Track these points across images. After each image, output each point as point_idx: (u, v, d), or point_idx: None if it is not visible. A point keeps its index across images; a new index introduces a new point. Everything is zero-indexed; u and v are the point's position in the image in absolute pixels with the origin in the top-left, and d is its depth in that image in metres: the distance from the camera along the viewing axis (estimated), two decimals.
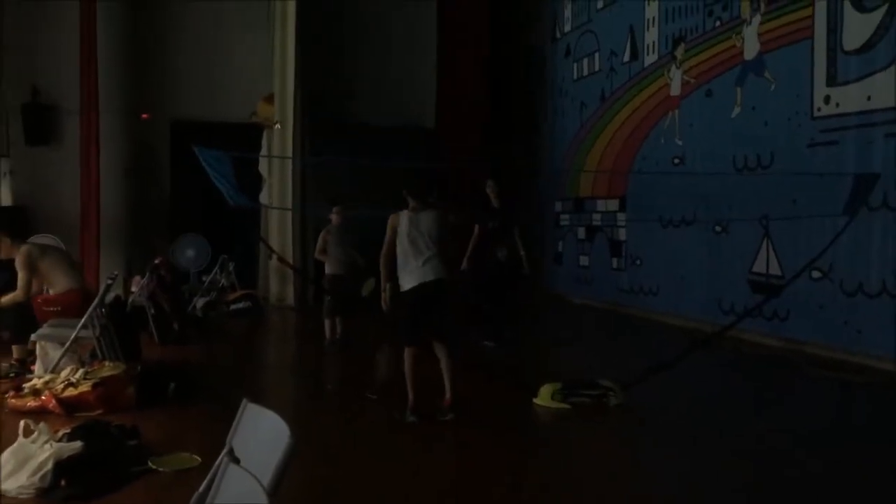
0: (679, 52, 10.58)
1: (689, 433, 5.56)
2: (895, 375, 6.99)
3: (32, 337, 6.63)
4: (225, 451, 2.44)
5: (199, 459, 4.40)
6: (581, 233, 13.28)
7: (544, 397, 6.07)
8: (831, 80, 7.93)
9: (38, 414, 5.30)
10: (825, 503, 4.28)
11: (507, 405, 6.30)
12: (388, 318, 5.83)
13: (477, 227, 8.46)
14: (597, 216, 12.76)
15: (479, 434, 5.52)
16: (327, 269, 8.84)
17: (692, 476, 4.67)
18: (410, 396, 5.63)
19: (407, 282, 5.61)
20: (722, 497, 4.38)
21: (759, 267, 8.84)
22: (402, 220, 5.64)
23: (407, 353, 5.66)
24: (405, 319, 5.64)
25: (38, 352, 6.64)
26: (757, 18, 9.03)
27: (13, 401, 5.68)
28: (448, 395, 5.64)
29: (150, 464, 4.45)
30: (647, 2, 11.32)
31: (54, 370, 6.17)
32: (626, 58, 11.91)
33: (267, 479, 2.10)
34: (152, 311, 9.07)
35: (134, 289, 10.09)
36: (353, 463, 4.86)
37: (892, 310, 7.14)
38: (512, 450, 5.28)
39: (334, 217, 8.83)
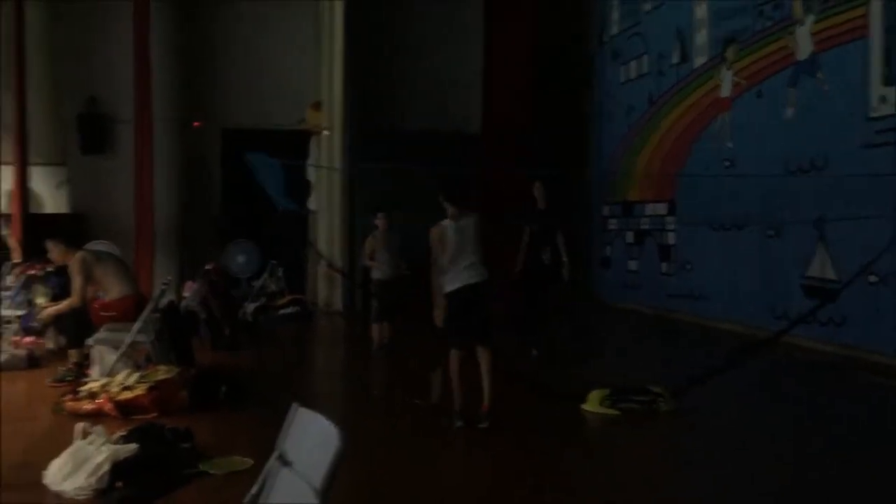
0: (730, 54, 10.42)
1: (737, 438, 5.50)
2: None
3: (89, 341, 6.80)
4: (275, 454, 2.47)
5: (251, 462, 4.44)
6: (629, 237, 13.15)
7: (593, 403, 6.02)
8: (887, 80, 7.74)
9: (95, 417, 5.40)
10: None
11: (555, 411, 6.22)
12: (431, 323, 5.82)
13: (527, 230, 8.40)
14: (645, 220, 12.63)
15: (523, 439, 5.50)
16: (374, 275, 8.89)
17: (728, 479, 4.64)
18: (456, 400, 5.62)
19: (449, 285, 5.62)
20: (750, 500, 4.34)
21: (813, 271, 8.65)
22: (445, 231, 5.66)
23: (451, 356, 5.66)
24: (449, 322, 5.65)
25: (94, 356, 6.79)
26: (810, 18, 8.85)
27: (70, 404, 5.80)
28: (486, 401, 5.58)
29: (202, 466, 4.52)
30: (695, 3, 11.19)
31: (110, 374, 6.30)
32: (675, 60, 11.77)
33: (317, 481, 2.11)
34: (204, 315, 9.21)
35: (186, 294, 10.27)
36: (400, 467, 4.86)
37: None
38: (552, 455, 5.23)
39: (380, 223, 8.88)
